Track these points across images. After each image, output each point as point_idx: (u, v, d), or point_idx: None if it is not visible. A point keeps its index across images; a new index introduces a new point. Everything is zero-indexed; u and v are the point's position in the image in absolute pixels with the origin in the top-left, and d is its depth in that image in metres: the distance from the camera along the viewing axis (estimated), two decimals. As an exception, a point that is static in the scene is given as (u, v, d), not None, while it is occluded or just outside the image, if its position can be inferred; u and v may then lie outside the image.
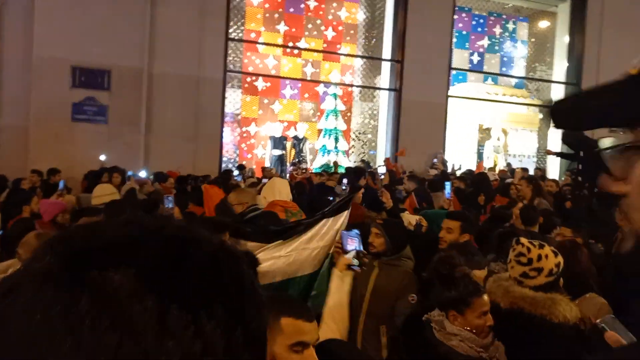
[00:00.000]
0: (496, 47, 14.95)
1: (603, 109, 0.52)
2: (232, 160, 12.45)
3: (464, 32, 14.51)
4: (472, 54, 14.73)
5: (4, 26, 9.67)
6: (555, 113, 0.58)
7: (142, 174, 8.90)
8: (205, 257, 0.38)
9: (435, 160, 11.78)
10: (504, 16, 15.10)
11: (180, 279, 0.36)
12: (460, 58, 14.08)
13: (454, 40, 13.13)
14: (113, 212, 3.97)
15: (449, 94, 12.87)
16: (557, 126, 0.58)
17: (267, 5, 12.98)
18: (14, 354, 0.32)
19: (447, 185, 5.70)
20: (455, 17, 13.12)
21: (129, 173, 8.04)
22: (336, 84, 13.10)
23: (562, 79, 14.52)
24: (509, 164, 12.71)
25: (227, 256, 0.39)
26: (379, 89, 13.44)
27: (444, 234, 3.41)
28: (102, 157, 9.30)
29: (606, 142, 0.52)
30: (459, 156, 13.06)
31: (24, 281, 0.35)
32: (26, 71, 9.54)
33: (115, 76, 9.91)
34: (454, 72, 13.31)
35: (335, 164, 11.44)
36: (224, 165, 11.53)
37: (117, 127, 9.96)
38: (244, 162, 11.82)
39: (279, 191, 4.47)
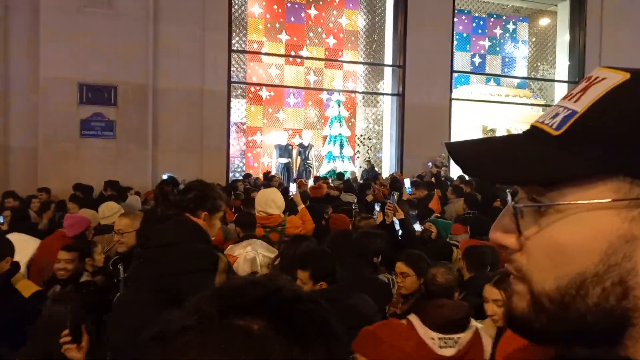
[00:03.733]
0: (497, 48, 14.99)
1: (520, 165, 0.51)
2: (239, 170, 12.54)
3: (465, 35, 14.57)
4: (473, 56, 14.78)
5: (9, 49, 9.83)
6: (458, 160, 0.54)
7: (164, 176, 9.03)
8: (310, 311, 0.52)
9: (429, 163, 11.78)
10: (504, 17, 15.14)
11: (296, 327, 0.49)
12: (461, 60, 14.13)
13: (455, 42, 13.19)
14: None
15: (452, 96, 12.92)
16: (465, 172, 0.56)
17: (268, 16, 13.10)
18: None
19: (406, 181, 5.75)
20: (455, 19, 13.18)
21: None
22: (339, 91, 13.18)
23: (565, 77, 14.53)
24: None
25: (320, 309, 0.53)
26: (382, 94, 13.51)
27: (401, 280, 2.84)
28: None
29: (520, 197, 0.54)
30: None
31: (193, 324, 0.49)
32: (33, 92, 9.69)
33: (121, 92, 10.04)
34: (456, 74, 13.36)
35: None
36: (231, 174, 11.62)
37: (124, 143, 10.07)
38: (250, 172, 11.90)
39: (273, 202, 4.16)
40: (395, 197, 3.68)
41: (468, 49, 14.66)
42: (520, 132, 0.58)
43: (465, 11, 14.47)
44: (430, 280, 2.28)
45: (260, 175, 11.66)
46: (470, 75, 14.60)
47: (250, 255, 3.71)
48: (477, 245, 3.61)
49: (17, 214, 5.81)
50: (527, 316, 0.52)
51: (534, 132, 0.54)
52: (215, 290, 0.52)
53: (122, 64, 9.92)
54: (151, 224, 2.14)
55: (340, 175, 10.71)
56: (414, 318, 2.07)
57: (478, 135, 13.68)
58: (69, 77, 9.67)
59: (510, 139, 0.56)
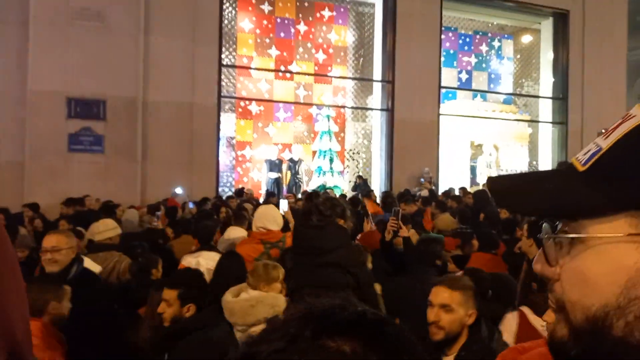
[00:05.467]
0: (483, 65, 15.28)
1: (545, 198, 0.54)
2: (229, 184, 12.47)
3: (452, 51, 14.83)
4: (460, 72, 15.03)
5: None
6: (493, 192, 0.59)
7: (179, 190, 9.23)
8: (397, 333, 0.53)
9: (422, 179, 11.88)
10: (489, 34, 15.47)
11: (387, 349, 0.51)
12: (449, 76, 14.36)
13: (442, 59, 13.41)
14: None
15: (440, 112, 13.09)
16: (498, 205, 0.60)
17: (257, 31, 13.17)
18: None
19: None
20: (443, 36, 13.42)
21: (190, 205, 8.12)
22: (329, 106, 13.26)
23: (549, 93, 14.85)
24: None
25: (405, 331, 0.55)
26: (371, 109, 13.63)
27: None
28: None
29: (546, 227, 0.57)
30: (453, 173, 13.23)
31: (286, 346, 0.50)
32: (20, 105, 9.55)
33: (110, 106, 9.95)
34: (443, 90, 13.56)
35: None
36: (220, 189, 11.55)
37: (113, 157, 9.96)
38: (241, 186, 11.83)
39: (273, 218, 4.15)
40: (398, 213, 3.59)
41: (455, 65, 14.91)
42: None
43: (452, 28, 14.75)
44: None
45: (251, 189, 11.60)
46: (458, 91, 14.83)
47: (193, 266, 3.95)
48: (476, 269, 3.51)
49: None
50: (566, 343, 0.54)
51: (568, 167, 0.56)
52: (303, 313, 0.53)
53: (111, 78, 9.86)
54: (307, 230, 2.51)
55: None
56: (525, 309, 2.27)
57: (465, 150, 13.87)
58: (57, 90, 9.57)
59: (545, 173, 0.59)
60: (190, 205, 8.09)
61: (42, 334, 2.22)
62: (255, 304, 2.44)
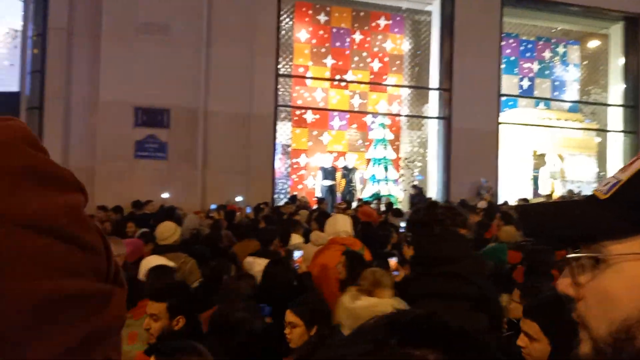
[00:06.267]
0: (547, 72, 14.67)
1: (571, 222, 0.62)
2: (284, 192, 12.64)
3: (512, 58, 14.35)
4: (521, 80, 14.51)
5: (71, 73, 10.38)
6: (522, 219, 0.66)
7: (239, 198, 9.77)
8: (480, 346, 0.53)
9: (481, 191, 11.47)
10: (553, 40, 14.85)
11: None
12: (509, 84, 13.89)
13: (502, 66, 13.00)
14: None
15: (500, 120, 12.67)
16: (524, 231, 0.67)
17: (314, 41, 13.34)
18: None
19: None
20: (503, 43, 13.03)
21: (248, 210, 8.49)
22: (383, 114, 13.18)
23: (619, 101, 14.03)
24: (570, 191, 12.28)
25: (487, 345, 0.54)
26: (428, 117, 13.41)
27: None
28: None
29: (569, 251, 0.63)
30: (514, 183, 12.73)
31: (372, 352, 0.50)
32: (91, 114, 10.16)
33: (173, 115, 10.39)
34: (503, 98, 13.13)
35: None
36: (275, 196, 11.72)
37: (175, 164, 10.37)
38: (295, 193, 11.96)
39: (344, 227, 4.17)
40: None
41: (516, 72, 14.42)
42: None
43: (513, 35, 14.28)
44: None
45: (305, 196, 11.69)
46: (519, 99, 14.31)
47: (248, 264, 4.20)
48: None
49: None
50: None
51: (590, 197, 0.64)
52: (390, 320, 0.54)
53: (175, 88, 10.29)
54: (429, 239, 2.49)
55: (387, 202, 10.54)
56: None
57: (528, 160, 13.33)
58: (125, 100, 10.09)
59: (569, 202, 0.69)
60: (248, 210, 8.28)
61: None
62: (384, 310, 2.43)
